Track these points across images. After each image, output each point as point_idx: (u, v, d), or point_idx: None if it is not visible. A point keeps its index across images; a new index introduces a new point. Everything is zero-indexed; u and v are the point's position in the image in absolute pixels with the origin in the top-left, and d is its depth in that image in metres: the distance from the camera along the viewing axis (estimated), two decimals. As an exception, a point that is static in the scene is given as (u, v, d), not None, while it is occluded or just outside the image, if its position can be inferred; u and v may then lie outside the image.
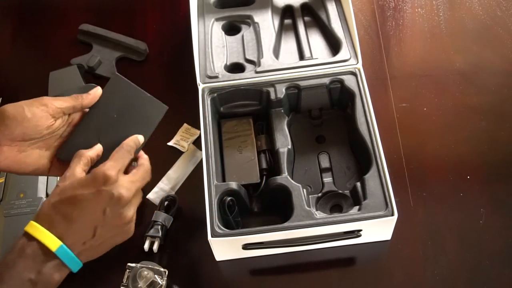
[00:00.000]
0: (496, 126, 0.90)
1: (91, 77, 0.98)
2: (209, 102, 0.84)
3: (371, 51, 0.99)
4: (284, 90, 0.85)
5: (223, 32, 0.96)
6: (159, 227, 0.79)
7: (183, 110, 0.90)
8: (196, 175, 0.87)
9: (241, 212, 0.78)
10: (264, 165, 0.82)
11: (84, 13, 1.08)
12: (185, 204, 0.84)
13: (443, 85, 0.94)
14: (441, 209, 0.82)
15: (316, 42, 0.94)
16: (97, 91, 0.68)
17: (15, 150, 0.63)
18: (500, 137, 0.89)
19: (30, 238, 0.56)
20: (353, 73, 0.86)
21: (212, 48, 0.92)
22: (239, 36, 0.95)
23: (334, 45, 0.92)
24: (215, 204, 0.75)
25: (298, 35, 0.95)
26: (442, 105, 0.92)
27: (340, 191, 0.80)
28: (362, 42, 0.97)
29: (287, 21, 0.99)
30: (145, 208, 0.84)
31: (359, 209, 0.74)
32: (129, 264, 0.74)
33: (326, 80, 0.86)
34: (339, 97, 0.87)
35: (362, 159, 0.82)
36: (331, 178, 0.82)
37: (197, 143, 0.90)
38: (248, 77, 0.87)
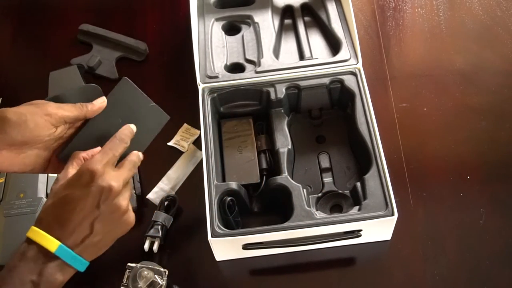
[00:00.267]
0: (496, 126, 0.90)
1: (91, 77, 0.98)
2: (209, 102, 0.84)
3: (371, 51, 0.99)
4: (284, 90, 0.85)
5: (223, 32, 0.96)
6: (159, 227, 0.79)
7: (183, 110, 0.90)
8: (196, 175, 0.87)
9: (241, 212, 0.78)
10: (264, 165, 0.82)
11: (84, 13, 1.08)
12: (185, 204, 0.84)
13: (443, 85, 0.94)
14: (441, 209, 0.82)
15: (316, 42, 0.94)
16: (102, 103, 0.67)
17: (14, 152, 0.62)
18: (500, 137, 0.89)
19: (30, 242, 0.56)
20: (353, 73, 0.86)
21: (212, 48, 0.92)
22: (239, 36, 0.95)
23: (334, 45, 0.92)
24: (215, 204, 0.75)
25: (298, 35, 0.95)
26: (442, 105, 0.92)
27: (340, 191, 0.80)
28: (362, 42, 0.97)
29: (287, 21, 0.99)
30: (145, 208, 0.84)
31: (359, 209, 0.74)
32: (129, 264, 0.74)
33: (326, 80, 0.86)
34: (339, 97, 0.87)
35: (362, 159, 0.82)
36: (331, 178, 0.82)
37: (197, 143, 0.90)
38: (248, 77, 0.87)
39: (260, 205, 0.81)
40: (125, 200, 0.60)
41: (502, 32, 0.99)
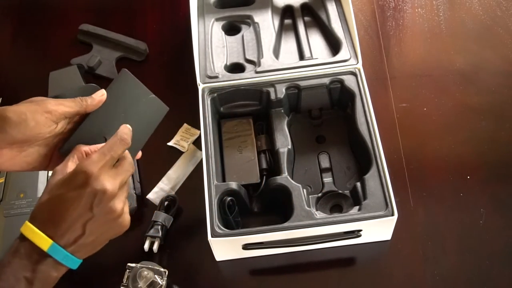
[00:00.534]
0: (496, 126, 0.90)
1: (91, 77, 0.98)
2: (209, 102, 0.84)
3: (371, 51, 0.99)
4: (284, 90, 0.85)
5: (223, 32, 0.96)
6: (159, 227, 0.79)
7: (183, 110, 0.90)
8: (196, 175, 0.87)
9: (241, 212, 0.78)
10: (264, 165, 0.82)
11: (84, 13, 1.08)
12: (185, 204, 0.84)
13: (443, 85, 0.94)
14: (441, 209, 0.82)
15: (316, 42, 0.94)
16: (102, 96, 0.67)
17: (15, 151, 0.62)
18: (500, 137, 0.89)
19: (24, 238, 0.56)
20: (353, 73, 0.86)
21: (212, 48, 0.92)
22: (239, 36, 0.95)
23: (334, 45, 0.92)
24: (215, 204, 0.75)
25: (298, 35, 0.95)
26: (442, 105, 0.92)
27: (340, 191, 0.80)
28: (362, 42, 0.97)
29: (287, 21, 0.99)
30: (145, 208, 0.84)
31: (359, 209, 0.74)
32: (129, 264, 0.74)
33: (326, 80, 0.86)
34: (339, 97, 0.87)
35: (362, 159, 0.82)
36: (331, 178, 0.82)
37: (197, 143, 0.90)
38: (248, 77, 0.87)
39: (260, 205, 0.81)
40: (120, 203, 0.59)
41: (502, 32, 0.99)
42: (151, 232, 0.79)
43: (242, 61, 0.91)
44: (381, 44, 1.00)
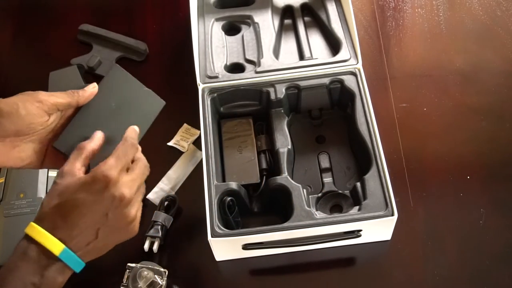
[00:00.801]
0: (496, 126, 0.90)
1: (91, 77, 0.98)
2: (209, 102, 0.84)
3: (371, 51, 0.99)
4: (284, 90, 0.85)
5: (223, 32, 0.96)
6: (159, 227, 0.79)
7: (183, 110, 0.90)
8: (196, 175, 0.87)
9: (241, 212, 0.78)
10: (264, 165, 0.82)
11: (84, 13, 1.08)
12: (185, 204, 0.84)
13: (443, 85, 0.94)
14: (441, 209, 0.82)
15: (316, 42, 0.94)
16: (94, 89, 0.67)
17: (8, 146, 0.62)
18: (500, 137, 0.89)
19: (32, 241, 0.55)
20: (353, 73, 0.86)
21: (212, 48, 0.92)
22: (239, 36, 0.95)
23: (334, 45, 0.92)
24: (215, 204, 0.75)
25: (298, 35, 0.95)
26: (442, 105, 0.92)
27: (340, 191, 0.80)
28: (362, 42, 0.97)
29: (287, 21, 0.99)
30: (145, 208, 0.84)
31: (359, 209, 0.74)
32: (129, 264, 0.74)
33: (326, 80, 0.86)
34: (339, 97, 0.87)
35: (362, 159, 0.82)
36: (331, 178, 0.82)
37: (197, 143, 0.90)
38: (248, 77, 0.87)
39: (260, 205, 0.81)
40: (134, 209, 0.59)
41: (502, 32, 0.99)
42: (151, 232, 0.79)
43: (242, 61, 0.91)
44: (381, 44, 1.00)
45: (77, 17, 1.06)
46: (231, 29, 0.97)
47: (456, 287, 0.76)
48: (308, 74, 0.86)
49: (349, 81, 0.85)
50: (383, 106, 0.91)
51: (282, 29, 0.97)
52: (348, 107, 0.86)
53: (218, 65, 0.90)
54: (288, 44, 0.95)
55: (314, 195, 0.80)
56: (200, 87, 0.86)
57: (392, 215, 0.72)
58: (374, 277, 0.78)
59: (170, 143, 0.90)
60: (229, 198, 0.76)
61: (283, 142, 0.82)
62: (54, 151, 0.66)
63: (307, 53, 0.91)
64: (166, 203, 0.83)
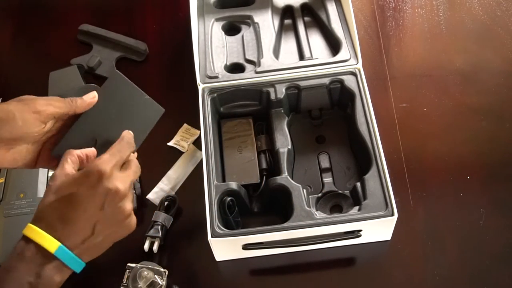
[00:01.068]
0: (496, 126, 0.90)
1: (91, 77, 0.98)
2: (209, 102, 0.84)
3: (371, 51, 0.99)
4: (284, 90, 0.85)
5: (223, 32, 0.96)
6: (159, 227, 0.79)
7: (183, 110, 0.90)
8: (196, 175, 0.87)
9: (241, 212, 0.78)
10: (264, 165, 0.82)
11: (84, 13, 1.08)
12: (185, 204, 0.84)
13: (443, 85, 0.94)
14: (441, 209, 0.82)
15: (316, 42, 0.94)
16: (93, 98, 0.67)
17: (3, 149, 0.62)
18: (500, 137, 0.89)
19: (28, 240, 0.55)
20: (353, 73, 0.86)
21: (212, 48, 0.92)
22: (239, 36, 0.95)
23: (334, 45, 0.92)
24: (215, 204, 0.75)
25: (298, 35, 0.95)
26: (442, 105, 0.92)
27: (340, 191, 0.80)
28: (362, 42, 0.97)
29: (287, 21, 0.99)
30: (145, 208, 0.84)
31: (359, 209, 0.74)
32: (129, 264, 0.74)
33: (326, 80, 0.86)
34: (339, 97, 0.87)
35: (362, 159, 0.82)
36: (331, 178, 0.82)
37: (197, 143, 0.90)
38: (248, 77, 0.87)
39: (260, 205, 0.81)
40: (129, 204, 0.59)
41: (502, 32, 0.99)
42: (151, 232, 0.79)
43: (242, 61, 0.91)
44: (381, 44, 1.00)
45: (77, 17, 1.06)
46: (231, 29, 0.97)
47: (456, 287, 0.76)
48: (308, 74, 0.86)
49: (349, 81, 0.85)
50: (383, 106, 0.91)
51: (282, 29, 0.97)
52: (348, 107, 0.86)
53: (218, 65, 0.90)
54: (288, 44, 0.95)
55: (314, 195, 0.80)
56: (200, 87, 0.86)
57: (392, 215, 0.72)
58: (374, 277, 0.78)
59: (170, 143, 0.90)
60: (229, 198, 0.76)
61: (283, 142, 0.82)
62: (48, 151, 0.67)
63: (307, 53, 0.91)
64: (166, 203, 0.83)
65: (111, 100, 0.68)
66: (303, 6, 0.99)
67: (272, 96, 0.84)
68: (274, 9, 0.98)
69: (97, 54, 1.00)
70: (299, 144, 0.86)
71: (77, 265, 0.57)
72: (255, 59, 0.90)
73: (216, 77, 0.87)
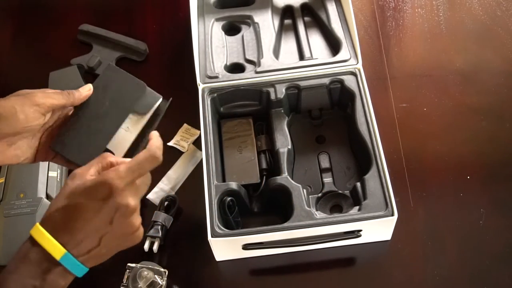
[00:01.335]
0: (496, 126, 0.90)
1: (91, 77, 0.98)
2: (209, 102, 0.84)
3: (371, 51, 0.99)
4: (284, 90, 0.85)
5: (223, 32, 0.96)
6: (159, 227, 0.79)
7: (183, 110, 0.90)
8: (196, 175, 0.87)
9: (241, 212, 0.78)
10: (264, 165, 0.82)
11: (84, 13, 1.08)
12: (185, 204, 0.84)
13: (443, 85, 0.94)
14: (441, 209, 0.82)
15: (316, 42, 0.94)
16: (89, 90, 0.68)
17: (4, 145, 0.62)
18: (500, 137, 0.89)
19: (35, 243, 0.55)
20: (353, 73, 0.86)
21: (212, 48, 0.92)
22: (239, 36, 0.95)
23: (334, 45, 0.92)
24: (215, 204, 0.75)
25: (298, 35, 0.95)
26: (442, 105, 0.92)
27: (340, 191, 0.80)
28: (362, 42, 0.97)
29: (287, 21, 0.99)
30: (145, 208, 0.84)
31: (359, 209, 0.74)
32: (129, 264, 0.74)
33: (326, 80, 0.86)
34: (339, 97, 0.87)
35: (362, 159, 0.82)
36: (331, 178, 0.82)
37: (197, 143, 0.90)
38: (248, 77, 0.87)
39: (260, 205, 0.81)
40: (138, 218, 0.58)
41: (502, 32, 0.99)
42: (151, 232, 0.79)
43: (242, 61, 0.91)
44: (381, 44, 1.00)
45: (77, 17, 1.06)
46: (231, 29, 0.97)
47: (456, 287, 0.76)
48: (308, 74, 0.86)
49: (349, 81, 0.85)
50: (383, 106, 0.91)
51: (282, 29, 0.97)
52: (348, 107, 0.86)
53: (218, 65, 0.90)
54: (288, 44, 0.95)
55: (314, 195, 0.80)
56: (200, 87, 0.86)
57: (392, 215, 0.72)
58: (374, 277, 0.78)
59: (170, 143, 0.90)
60: (229, 198, 0.76)
61: (283, 142, 0.82)
62: (45, 144, 0.67)
63: (307, 53, 0.91)
64: (166, 203, 0.83)
65: (107, 91, 0.69)
66: (303, 6, 0.99)
67: (272, 96, 0.84)
68: (274, 9, 0.98)
69: (97, 54, 1.00)
70: (299, 144, 0.86)
71: (80, 271, 0.57)
72: (255, 59, 0.90)
73: (216, 77, 0.87)
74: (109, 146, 0.68)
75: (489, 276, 0.76)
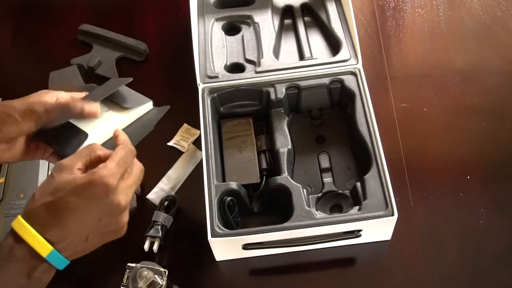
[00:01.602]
0: (496, 126, 0.90)
1: (91, 77, 0.98)
2: (209, 102, 0.84)
3: (371, 51, 0.99)
4: (284, 90, 0.85)
5: (223, 32, 0.96)
6: (159, 227, 0.79)
7: (183, 110, 0.90)
8: (196, 175, 0.87)
9: (241, 212, 0.78)
10: (264, 165, 0.82)
11: (84, 13, 1.08)
12: (185, 204, 0.84)
13: (443, 85, 0.94)
14: (441, 209, 0.82)
15: (316, 42, 0.94)
16: (94, 114, 0.66)
17: (5, 147, 0.64)
18: (500, 137, 0.89)
19: (19, 239, 0.53)
20: (353, 73, 0.86)
21: (212, 48, 0.92)
22: (239, 36, 0.95)
23: (334, 45, 0.92)
24: (215, 204, 0.75)
25: (298, 35, 0.95)
26: (442, 105, 0.92)
27: (340, 191, 0.80)
28: (362, 42, 0.97)
29: (287, 21, 0.99)
30: (145, 208, 0.84)
31: (359, 209, 0.74)
32: (129, 264, 0.74)
33: (326, 80, 0.86)
34: (339, 97, 0.87)
35: (362, 159, 0.82)
36: (331, 178, 0.82)
37: (197, 143, 0.90)
38: (248, 77, 0.87)
39: (260, 205, 0.81)
40: (127, 216, 0.58)
41: (502, 32, 0.99)
42: (151, 232, 0.79)
43: (242, 61, 0.91)
44: (381, 44, 1.00)
45: (77, 17, 1.06)
46: (231, 29, 0.97)
47: (456, 287, 0.76)
48: (308, 74, 0.86)
49: (349, 81, 0.85)
50: (383, 106, 0.91)
51: (282, 29, 0.97)
52: (348, 107, 0.86)
53: (218, 65, 0.90)
54: (288, 44, 0.95)
55: (314, 195, 0.80)
56: (200, 87, 0.86)
57: (392, 215, 0.72)
58: (374, 277, 0.78)
59: (170, 143, 0.90)
60: (229, 198, 0.76)
61: (283, 142, 0.82)
62: (44, 144, 0.67)
63: (307, 53, 0.91)
64: (166, 203, 0.83)
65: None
66: (303, 6, 0.99)
67: (272, 96, 0.84)
68: (274, 9, 0.98)
69: (97, 54, 1.00)
70: (299, 144, 0.86)
71: (63, 264, 0.56)
72: (255, 59, 0.90)
73: (216, 77, 0.87)
74: (85, 128, 0.67)
75: (489, 276, 0.76)
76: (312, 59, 0.90)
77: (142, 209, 0.84)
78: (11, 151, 0.64)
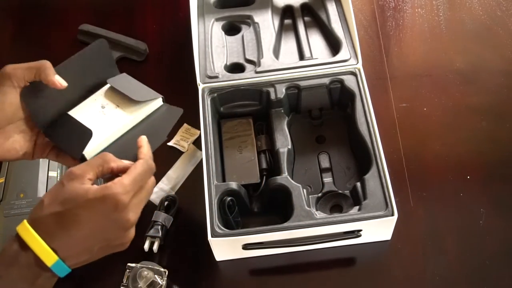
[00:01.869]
0: (496, 126, 0.90)
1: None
2: (209, 102, 0.84)
3: (371, 51, 0.99)
4: (284, 90, 0.85)
5: (223, 32, 0.96)
6: (159, 227, 0.79)
7: (183, 110, 0.89)
8: (196, 175, 0.87)
9: (241, 212, 0.78)
10: (264, 165, 0.82)
11: (84, 13, 1.08)
12: (185, 204, 0.84)
13: (443, 85, 0.94)
14: (441, 209, 0.82)
15: (316, 42, 0.94)
16: (61, 86, 0.69)
17: (1, 138, 0.63)
18: (500, 137, 0.89)
19: (25, 246, 0.53)
20: (353, 73, 0.86)
21: (212, 48, 0.92)
22: (239, 36, 0.95)
23: (334, 45, 0.92)
24: (215, 204, 0.75)
25: (298, 35, 0.95)
26: (442, 105, 0.92)
27: (340, 191, 0.80)
28: (362, 42, 0.97)
29: (287, 21, 0.99)
30: (145, 208, 0.84)
31: (359, 209, 0.74)
32: (129, 264, 0.74)
33: (326, 80, 0.86)
34: (339, 97, 0.87)
35: (362, 159, 0.82)
36: (331, 178, 0.82)
37: (197, 143, 0.90)
38: (248, 77, 0.87)
39: (260, 205, 0.81)
40: (133, 232, 0.58)
41: (502, 32, 0.99)
42: (151, 232, 0.79)
43: (242, 61, 0.91)
44: (381, 44, 1.00)
45: (77, 17, 1.06)
46: (231, 29, 0.97)
47: (456, 287, 0.76)
48: (308, 74, 0.86)
49: (349, 81, 0.85)
50: (383, 106, 0.91)
51: (282, 29, 0.97)
52: (348, 107, 0.86)
53: (218, 65, 0.90)
54: (288, 44, 0.95)
55: (314, 195, 0.80)
56: (200, 87, 0.86)
57: (392, 215, 0.72)
58: (374, 277, 0.78)
59: (170, 143, 0.90)
60: (229, 198, 0.76)
61: (283, 142, 0.82)
62: (43, 142, 0.67)
63: (307, 53, 0.91)
64: (166, 203, 0.83)
65: (88, 70, 0.70)
66: (303, 6, 0.99)
67: (272, 96, 0.84)
68: (274, 9, 0.98)
69: (97, 54, 1.00)
70: (299, 144, 0.86)
71: (65, 273, 0.56)
72: (255, 59, 0.90)
73: (216, 77, 0.87)
74: (94, 125, 0.67)
75: (489, 276, 0.76)
76: (312, 59, 0.90)
77: (142, 209, 0.84)
78: (25, 143, 0.65)
